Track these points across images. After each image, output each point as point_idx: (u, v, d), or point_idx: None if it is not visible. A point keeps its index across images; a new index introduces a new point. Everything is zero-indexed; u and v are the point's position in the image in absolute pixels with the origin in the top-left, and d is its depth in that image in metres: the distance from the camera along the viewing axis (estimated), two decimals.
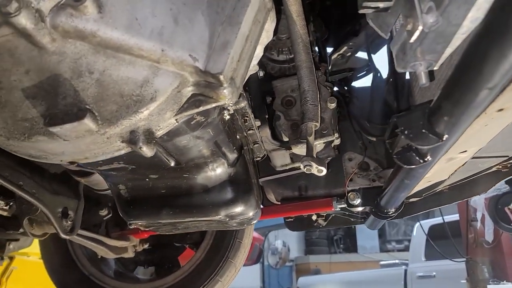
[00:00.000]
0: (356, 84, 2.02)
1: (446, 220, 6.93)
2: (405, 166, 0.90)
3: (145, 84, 0.71)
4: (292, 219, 2.20)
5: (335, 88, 1.87)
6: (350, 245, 14.30)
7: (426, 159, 0.88)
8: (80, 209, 1.66)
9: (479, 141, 1.14)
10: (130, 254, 2.01)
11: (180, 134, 0.95)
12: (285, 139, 1.47)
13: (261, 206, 1.89)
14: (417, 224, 7.67)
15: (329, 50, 2.01)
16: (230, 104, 0.79)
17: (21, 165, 1.46)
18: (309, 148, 1.30)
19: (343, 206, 1.55)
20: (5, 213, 1.60)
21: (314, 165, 1.25)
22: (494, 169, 1.50)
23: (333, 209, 1.58)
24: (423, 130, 0.79)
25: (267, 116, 1.40)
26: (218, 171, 1.22)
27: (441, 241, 6.82)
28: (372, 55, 1.91)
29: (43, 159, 0.80)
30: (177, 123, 0.82)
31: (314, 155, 1.44)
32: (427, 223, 7.74)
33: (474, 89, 0.62)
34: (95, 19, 0.65)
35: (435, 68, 0.80)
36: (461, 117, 0.70)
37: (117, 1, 0.67)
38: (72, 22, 0.64)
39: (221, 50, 0.74)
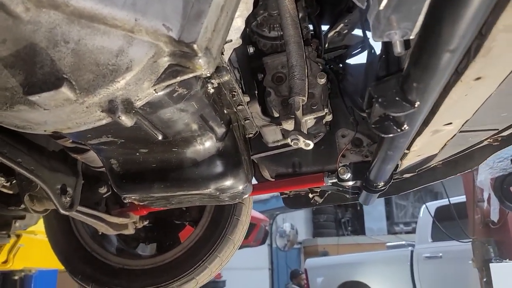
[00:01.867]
0: (352, 61, 2.02)
1: (453, 202, 6.94)
2: (383, 135, 0.92)
3: (120, 54, 0.73)
4: (290, 197, 2.24)
5: (331, 66, 1.88)
6: (358, 227, 14.38)
7: (403, 128, 0.90)
8: (79, 186, 1.70)
9: (463, 113, 1.14)
10: (130, 231, 2.06)
11: (163, 107, 0.97)
12: (276, 115, 1.49)
13: (255, 182, 1.92)
14: (424, 206, 7.68)
15: (326, 28, 2.01)
16: (207, 74, 0.80)
17: (20, 143, 1.50)
18: (297, 122, 1.32)
19: (334, 181, 1.57)
20: (5, 190, 1.65)
21: (301, 139, 1.27)
22: (485, 143, 1.51)
23: (324, 184, 1.60)
24: (396, 98, 0.80)
25: (256, 92, 1.42)
26: (206, 145, 1.24)
27: (448, 223, 6.84)
28: (368, 32, 1.91)
29: (28, 129, 0.83)
30: (156, 94, 0.84)
31: (303, 130, 1.47)
32: (434, 204, 7.76)
33: (436, 53, 0.63)
34: None
35: (411, 37, 0.81)
36: (429, 83, 0.72)
37: None
38: None
39: (195, 20, 0.75)
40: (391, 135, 0.91)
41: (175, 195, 1.35)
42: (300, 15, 1.55)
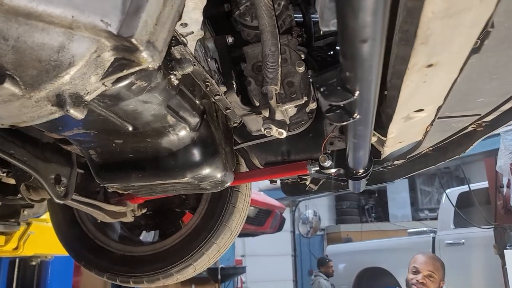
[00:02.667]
0: None
1: (476, 188, 6.80)
2: (335, 123, 0.92)
3: (62, 50, 0.76)
4: (288, 184, 2.25)
5: (320, 53, 1.87)
6: (382, 214, 14.24)
7: (354, 116, 0.90)
8: (73, 176, 1.76)
9: (431, 99, 1.13)
10: (129, 218, 2.12)
11: (124, 99, 1.00)
12: (257, 103, 1.50)
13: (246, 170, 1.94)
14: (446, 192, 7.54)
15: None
16: (155, 67, 0.82)
17: (13, 136, 1.57)
18: (271, 111, 1.33)
19: (316, 168, 1.57)
20: (4, 180, 1.72)
21: (274, 127, 1.28)
22: (470, 128, 1.48)
23: (308, 172, 1.61)
24: (338, 88, 0.80)
25: (234, 82, 1.43)
26: (180, 135, 1.27)
27: (472, 209, 6.71)
28: None
29: None
30: (107, 87, 0.87)
31: (283, 119, 1.47)
32: (456, 190, 7.61)
33: (352, 44, 0.63)
34: None
35: None
36: (359, 72, 0.72)
37: None
38: None
39: (133, 15, 0.77)
40: (343, 123, 0.91)
41: (154, 184, 1.39)
42: (282, 3, 1.55)
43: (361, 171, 1.44)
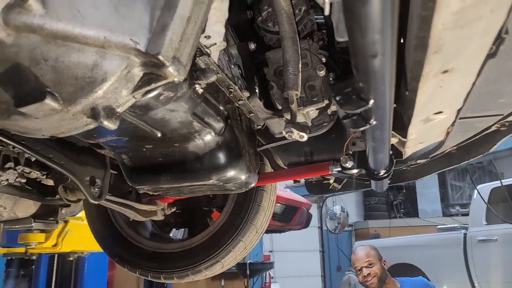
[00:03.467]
0: None
1: (508, 183, 6.61)
2: (351, 129, 0.96)
3: (95, 67, 0.83)
4: (313, 183, 2.29)
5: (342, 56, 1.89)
6: (411, 209, 14.02)
7: (371, 122, 0.93)
8: (107, 178, 1.86)
9: (450, 102, 1.15)
10: (159, 217, 2.21)
11: (153, 108, 1.07)
12: (279, 107, 1.54)
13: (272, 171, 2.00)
14: (477, 188, 7.36)
15: None
16: (180, 80, 0.88)
17: (52, 141, 1.68)
18: (292, 115, 1.37)
19: (338, 169, 1.61)
20: (43, 182, 1.84)
21: (295, 131, 1.32)
22: (493, 128, 1.48)
23: (329, 173, 1.64)
24: (353, 96, 0.84)
25: (257, 87, 1.48)
26: (206, 139, 1.33)
27: (504, 204, 6.55)
28: None
29: (29, 134, 0.96)
30: (137, 99, 0.94)
31: (305, 122, 1.52)
32: (488, 186, 7.42)
33: (361, 58, 0.67)
34: (40, 14, 0.77)
35: None
36: (372, 83, 0.75)
37: None
38: (20, 18, 0.76)
39: (159, 33, 0.83)
40: (359, 129, 0.94)
41: (182, 186, 1.46)
42: (303, 8, 1.58)
43: (382, 171, 1.47)
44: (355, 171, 1.57)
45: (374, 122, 0.93)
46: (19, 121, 0.88)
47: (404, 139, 1.36)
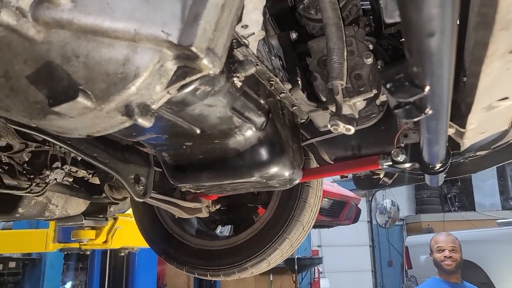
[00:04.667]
0: None
1: None
2: (405, 120, 0.87)
3: (127, 62, 0.79)
4: (361, 178, 2.19)
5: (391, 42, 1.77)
6: (467, 203, 13.34)
7: (426, 112, 0.84)
8: (151, 175, 1.85)
9: None
10: (204, 214, 2.19)
11: (190, 104, 1.02)
12: (324, 99, 1.46)
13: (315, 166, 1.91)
14: None
15: None
16: (216, 72, 0.83)
17: (96, 139, 1.69)
18: (337, 107, 1.29)
19: (389, 163, 1.50)
20: (90, 180, 1.86)
21: (341, 124, 1.24)
22: None
23: (379, 167, 1.54)
24: (406, 83, 0.75)
25: (298, 78, 1.40)
26: (247, 135, 1.28)
27: None
28: None
29: (66, 134, 0.94)
30: (172, 95, 0.89)
31: (352, 114, 1.43)
32: None
33: (416, 38, 0.58)
34: (69, 8, 0.74)
35: None
36: (428, 67, 0.66)
37: None
38: (49, 14, 0.74)
39: (192, 23, 0.78)
40: (413, 119, 0.85)
41: (224, 183, 1.42)
42: None
43: (438, 165, 1.35)
44: (407, 165, 1.46)
45: (430, 112, 0.83)
46: (55, 120, 0.86)
47: (462, 130, 1.24)
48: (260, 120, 1.27)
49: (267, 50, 1.36)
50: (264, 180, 1.38)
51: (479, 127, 1.26)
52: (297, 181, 1.49)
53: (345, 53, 1.29)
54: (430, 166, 1.36)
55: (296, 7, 1.57)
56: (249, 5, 0.98)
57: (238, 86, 1.11)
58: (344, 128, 1.24)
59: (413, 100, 0.77)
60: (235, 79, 1.08)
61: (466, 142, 1.38)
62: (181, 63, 0.83)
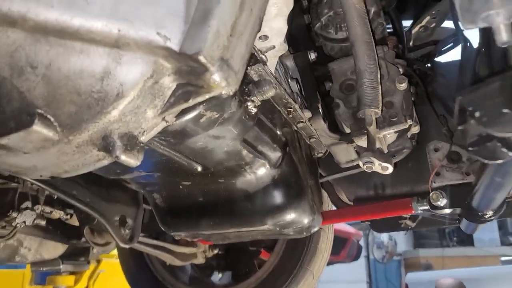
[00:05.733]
0: (444, 58, 1.69)
1: None
2: (487, 161, 0.63)
3: (106, 77, 0.56)
4: (379, 220, 1.94)
5: (417, 66, 1.57)
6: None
7: None
8: (139, 216, 1.60)
9: None
10: (200, 260, 1.92)
11: (191, 135, 0.79)
12: (347, 130, 1.23)
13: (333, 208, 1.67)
14: None
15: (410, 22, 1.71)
16: (230, 93, 0.60)
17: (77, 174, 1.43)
18: (370, 141, 1.06)
19: (425, 208, 1.26)
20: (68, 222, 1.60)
21: (376, 161, 1.00)
22: None
23: (413, 212, 1.30)
24: (504, 110, 0.52)
25: (319, 106, 1.18)
26: (258, 174, 1.04)
27: None
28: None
29: (22, 174, 0.70)
30: (168, 123, 0.66)
31: (381, 148, 1.20)
32: None
33: None
34: None
35: None
36: None
37: None
38: None
39: (200, 23, 0.56)
40: (499, 160, 0.62)
41: (228, 232, 1.16)
42: (372, 9, 1.29)
43: (489, 213, 1.11)
44: (447, 210, 1.22)
45: None
46: (3, 157, 0.62)
47: None
48: (275, 155, 1.04)
49: (283, 71, 1.14)
50: (278, 229, 1.13)
51: None
52: (316, 229, 1.25)
53: (379, 76, 1.07)
54: (479, 214, 1.12)
55: (312, 25, 1.37)
56: (272, 8, 0.76)
57: (252, 113, 0.87)
58: (379, 166, 1.00)
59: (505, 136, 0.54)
60: (249, 103, 0.84)
61: None
62: (182, 79, 0.60)
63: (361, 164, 1.02)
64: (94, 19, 0.53)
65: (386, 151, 1.26)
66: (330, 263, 6.45)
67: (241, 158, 0.96)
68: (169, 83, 0.60)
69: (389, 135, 1.21)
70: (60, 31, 0.52)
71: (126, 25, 0.54)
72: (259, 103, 0.86)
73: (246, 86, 0.84)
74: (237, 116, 0.82)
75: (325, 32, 1.34)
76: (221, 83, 0.58)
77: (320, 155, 1.38)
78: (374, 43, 1.10)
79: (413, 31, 1.68)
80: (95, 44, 0.54)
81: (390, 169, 1.01)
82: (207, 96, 0.61)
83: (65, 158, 0.63)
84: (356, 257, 6.04)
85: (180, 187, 1.07)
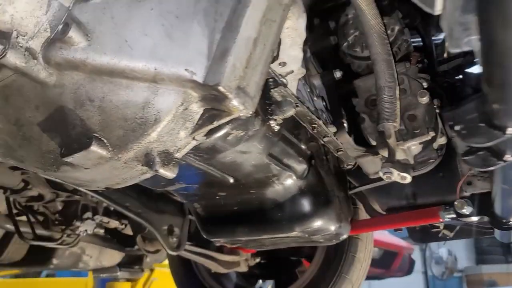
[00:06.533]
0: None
1: None
2: (478, 169, 0.71)
3: (147, 106, 0.70)
4: (417, 229, 1.97)
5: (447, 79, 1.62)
6: None
7: (505, 159, 0.68)
8: (185, 226, 1.74)
9: None
10: (243, 268, 2.03)
11: (221, 151, 0.91)
12: (373, 143, 1.31)
13: (365, 217, 1.73)
14: None
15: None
16: (248, 114, 0.72)
17: (129, 188, 1.60)
18: (390, 152, 1.13)
19: (452, 216, 1.30)
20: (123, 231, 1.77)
21: (395, 171, 1.08)
22: None
23: (441, 220, 1.34)
24: (480, 124, 0.60)
25: (343, 120, 1.27)
26: (286, 184, 1.15)
27: None
28: None
29: (84, 186, 0.85)
30: (198, 141, 0.79)
31: (406, 159, 1.26)
32: None
33: (501, 66, 0.44)
34: (83, 47, 0.66)
35: None
36: None
37: (106, 26, 0.67)
38: (61, 54, 0.66)
39: (219, 60, 0.68)
40: (489, 168, 0.69)
41: (261, 238, 1.27)
42: (396, 28, 1.37)
43: None
44: (474, 218, 1.26)
45: (511, 159, 0.67)
46: (69, 172, 0.77)
47: None
48: (301, 167, 1.14)
49: (308, 90, 1.25)
50: (307, 235, 1.23)
51: None
52: (345, 236, 1.33)
53: (397, 92, 1.15)
54: (503, 221, 1.16)
55: (340, 45, 1.46)
56: (287, 39, 0.88)
57: (276, 130, 0.99)
58: (398, 176, 1.08)
59: (491, 145, 0.62)
60: (271, 122, 0.96)
61: None
62: (208, 105, 0.73)
63: (381, 174, 1.10)
64: (136, 61, 0.67)
65: (412, 161, 1.32)
66: (382, 277, 6.33)
67: (269, 170, 1.08)
68: (197, 108, 0.73)
69: (413, 146, 1.27)
70: (110, 72, 0.67)
71: (161, 64, 0.67)
72: (281, 121, 0.97)
73: (269, 107, 0.96)
74: (261, 133, 0.94)
75: (352, 51, 1.43)
76: (239, 107, 0.70)
77: (349, 167, 1.46)
78: (393, 61, 1.18)
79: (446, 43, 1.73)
80: (137, 80, 0.68)
81: (408, 178, 1.08)
82: (228, 118, 0.73)
83: (116, 172, 0.78)
84: (408, 272, 5.89)
85: (217, 197, 1.20)
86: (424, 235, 1.92)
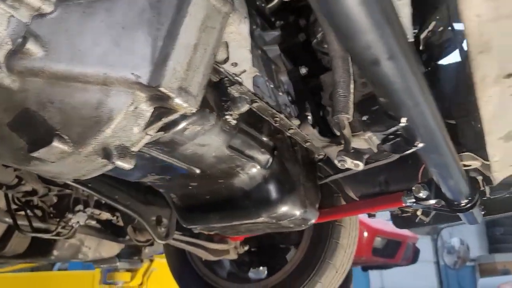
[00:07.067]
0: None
1: None
2: (393, 153, 0.79)
3: (100, 106, 0.80)
4: (399, 216, 2.05)
5: None
6: None
7: (416, 145, 0.76)
8: (174, 216, 1.85)
9: None
10: (232, 256, 2.14)
11: (180, 144, 1.01)
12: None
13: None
14: None
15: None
16: (192, 111, 0.82)
17: (119, 182, 1.72)
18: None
19: (412, 200, 1.38)
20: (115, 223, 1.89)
21: (349, 160, 1.16)
22: None
23: (403, 205, 1.42)
24: (382, 115, 0.70)
25: (307, 114, 1.35)
26: (251, 174, 1.24)
27: None
28: (456, 25, 1.66)
29: (57, 178, 0.96)
30: (151, 136, 0.89)
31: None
32: None
33: (363, 67, 0.53)
34: (40, 57, 0.77)
35: None
36: (395, 97, 0.60)
37: (61, 38, 0.78)
38: (22, 63, 0.77)
39: (161, 64, 0.78)
40: (403, 153, 0.78)
41: (234, 225, 1.37)
42: None
43: (463, 202, 1.22)
44: (432, 202, 1.33)
45: (421, 145, 0.75)
46: (40, 166, 0.88)
47: (486, 162, 1.12)
48: (264, 157, 1.23)
49: (271, 86, 1.34)
50: (274, 221, 1.32)
51: (505, 159, 1.13)
52: (312, 221, 1.42)
53: (352, 86, 1.23)
54: (455, 203, 1.23)
55: (311, 42, 1.55)
56: (233, 43, 0.97)
57: (233, 124, 1.08)
58: (352, 163, 1.16)
59: (391, 132, 0.70)
60: (227, 117, 1.05)
61: (497, 175, 1.25)
62: (156, 104, 0.83)
63: (336, 162, 1.18)
64: (88, 67, 0.77)
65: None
66: (387, 266, 6.39)
67: (232, 161, 1.17)
68: (147, 107, 0.83)
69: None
70: (66, 77, 0.77)
71: (110, 69, 0.77)
72: (237, 116, 1.07)
73: (225, 103, 1.05)
74: (217, 127, 1.04)
75: (320, 47, 1.51)
76: (182, 104, 0.80)
77: (321, 157, 1.55)
78: (349, 58, 1.26)
79: (421, 36, 1.79)
80: (90, 84, 0.79)
81: (361, 165, 1.16)
82: (175, 115, 0.83)
83: (80, 165, 0.88)
84: (413, 260, 5.94)
85: (190, 187, 1.30)
86: (406, 221, 2.01)
